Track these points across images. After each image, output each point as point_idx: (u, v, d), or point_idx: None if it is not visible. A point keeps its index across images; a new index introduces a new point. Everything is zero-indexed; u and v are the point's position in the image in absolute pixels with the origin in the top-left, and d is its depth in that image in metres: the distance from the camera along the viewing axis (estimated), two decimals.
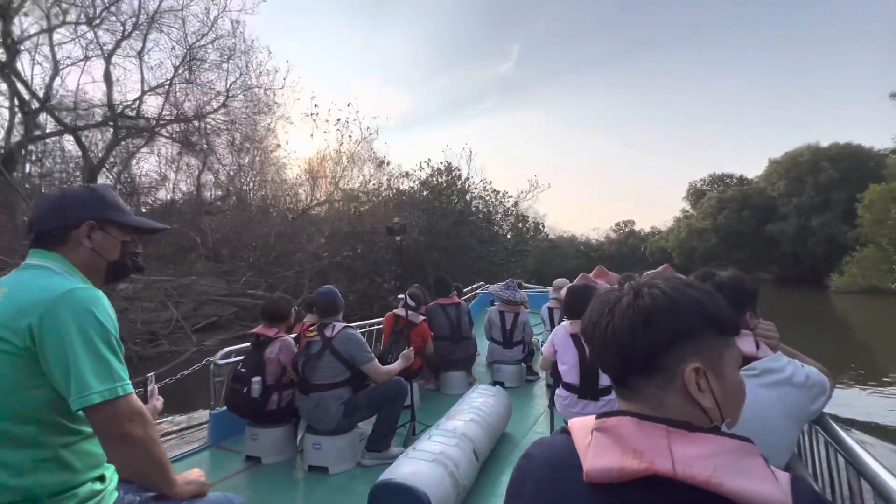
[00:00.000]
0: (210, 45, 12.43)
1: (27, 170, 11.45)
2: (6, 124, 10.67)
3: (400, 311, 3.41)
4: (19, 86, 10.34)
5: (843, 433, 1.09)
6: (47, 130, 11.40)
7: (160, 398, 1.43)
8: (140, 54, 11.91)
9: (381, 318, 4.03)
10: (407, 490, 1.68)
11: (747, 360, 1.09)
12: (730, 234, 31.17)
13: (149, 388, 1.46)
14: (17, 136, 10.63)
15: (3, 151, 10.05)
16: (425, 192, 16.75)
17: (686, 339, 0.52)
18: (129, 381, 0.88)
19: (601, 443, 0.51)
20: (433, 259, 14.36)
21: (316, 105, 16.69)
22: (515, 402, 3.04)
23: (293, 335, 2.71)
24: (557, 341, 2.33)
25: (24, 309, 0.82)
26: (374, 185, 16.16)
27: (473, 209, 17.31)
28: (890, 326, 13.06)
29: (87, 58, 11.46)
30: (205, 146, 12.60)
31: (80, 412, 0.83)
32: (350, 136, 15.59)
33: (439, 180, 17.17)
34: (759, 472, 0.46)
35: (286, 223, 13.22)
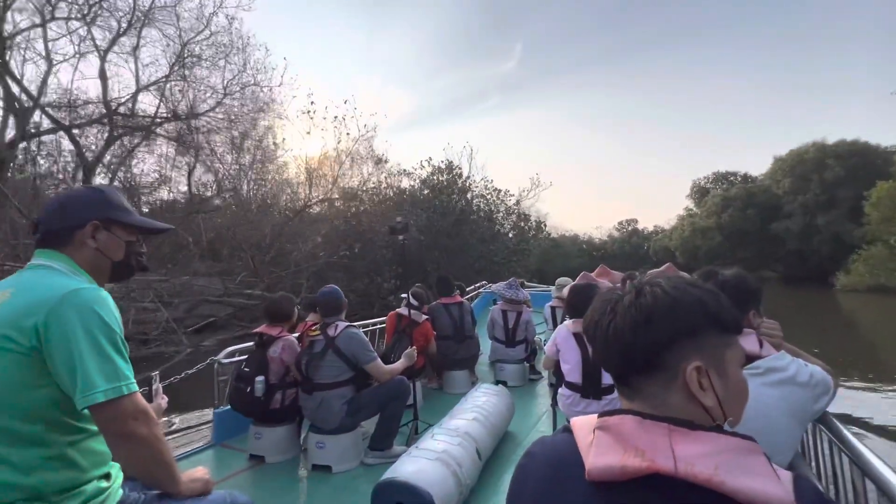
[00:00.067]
0: (205, 42, 12.24)
1: (27, 169, 11.29)
2: None
3: (403, 311, 3.42)
4: (11, 83, 10.13)
5: (846, 432, 1.08)
6: (42, 129, 11.20)
7: (165, 397, 1.44)
8: (135, 51, 11.75)
9: (384, 318, 4.04)
10: (410, 488, 1.69)
11: (751, 358, 1.09)
12: (734, 232, 30.93)
13: (153, 387, 1.47)
14: (10, 135, 10.41)
15: None
16: (426, 191, 16.66)
17: (688, 338, 0.52)
18: (133, 380, 0.89)
19: (603, 441, 0.51)
20: (434, 258, 14.28)
21: (313, 102, 16.40)
22: (518, 401, 3.04)
23: (296, 334, 2.72)
24: (560, 340, 2.33)
25: (30, 308, 0.83)
26: (373, 183, 16.07)
27: (475, 208, 17.20)
28: None
29: (79, 54, 11.24)
30: (197, 144, 12.42)
31: (86, 411, 0.83)
32: (348, 134, 15.42)
33: (440, 179, 17.07)
34: (762, 471, 0.46)
35: (283, 222, 13.09)
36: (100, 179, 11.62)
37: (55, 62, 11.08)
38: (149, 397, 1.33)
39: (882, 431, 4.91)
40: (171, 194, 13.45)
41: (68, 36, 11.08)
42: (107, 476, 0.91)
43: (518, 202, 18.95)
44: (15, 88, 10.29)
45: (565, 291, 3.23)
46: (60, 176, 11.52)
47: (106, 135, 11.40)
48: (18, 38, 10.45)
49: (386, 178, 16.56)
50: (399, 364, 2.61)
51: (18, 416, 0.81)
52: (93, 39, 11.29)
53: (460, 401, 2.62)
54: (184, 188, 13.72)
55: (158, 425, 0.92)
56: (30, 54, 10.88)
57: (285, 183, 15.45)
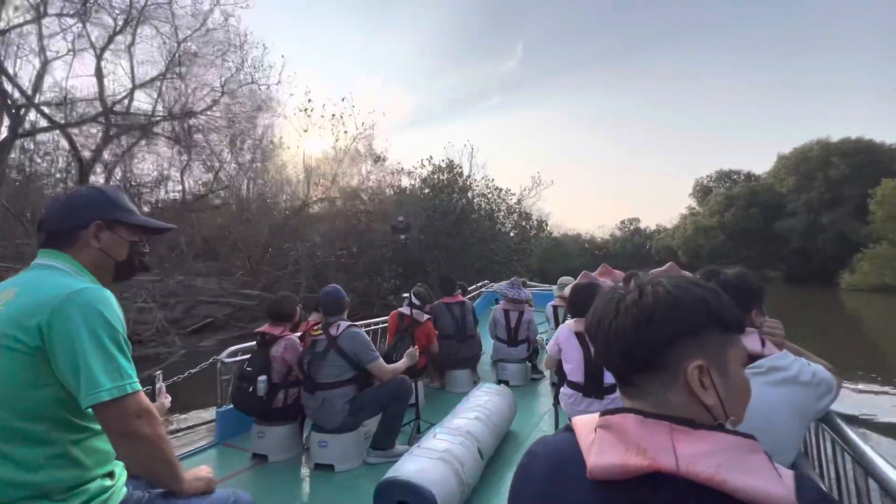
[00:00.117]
0: (202, 40, 11.99)
1: (24, 168, 11.09)
2: None
3: (405, 310, 3.42)
4: (4, 81, 9.83)
5: (849, 431, 1.08)
6: (37, 128, 11.00)
7: (168, 396, 1.45)
8: (129, 49, 11.48)
9: (386, 317, 4.05)
10: (412, 487, 1.69)
11: (753, 357, 1.08)
12: (737, 231, 30.78)
13: (156, 386, 1.49)
14: (3, 134, 10.16)
15: None
16: (426, 190, 16.58)
17: (689, 337, 0.52)
18: (136, 379, 0.89)
19: (604, 440, 0.51)
20: (434, 258, 14.20)
21: (310, 100, 16.14)
22: (520, 400, 3.04)
23: (298, 334, 2.72)
24: (562, 340, 2.33)
25: (34, 308, 0.84)
26: (372, 182, 15.92)
27: (476, 207, 17.11)
28: None
29: (74, 52, 10.91)
30: (189, 142, 12.21)
31: (90, 410, 0.84)
32: (346, 132, 15.18)
33: (441, 178, 16.98)
34: (763, 470, 0.46)
35: (282, 221, 12.98)
36: (96, 179, 11.45)
37: (49, 59, 10.80)
38: (152, 396, 1.34)
39: (887, 431, 4.88)
40: (168, 194, 13.28)
41: (61, 34, 10.77)
42: (111, 474, 0.91)
43: (519, 201, 18.89)
44: (7, 86, 10.05)
45: (567, 291, 3.23)
46: (57, 175, 11.43)
47: (102, 134, 11.25)
48: (12, 35, 10.17)
49: (384, 176, 16.48)
50: (401, 363, 2.61)
51: (23, 415, 0.82)
52: (88, 37, 11.07)
53: (462, 400, 2.62)
54: (180, 188, 13.60)
55: (161, 424, 0.93)
56: (23, 51, 10.45)
57: (284, 182, 15.30)
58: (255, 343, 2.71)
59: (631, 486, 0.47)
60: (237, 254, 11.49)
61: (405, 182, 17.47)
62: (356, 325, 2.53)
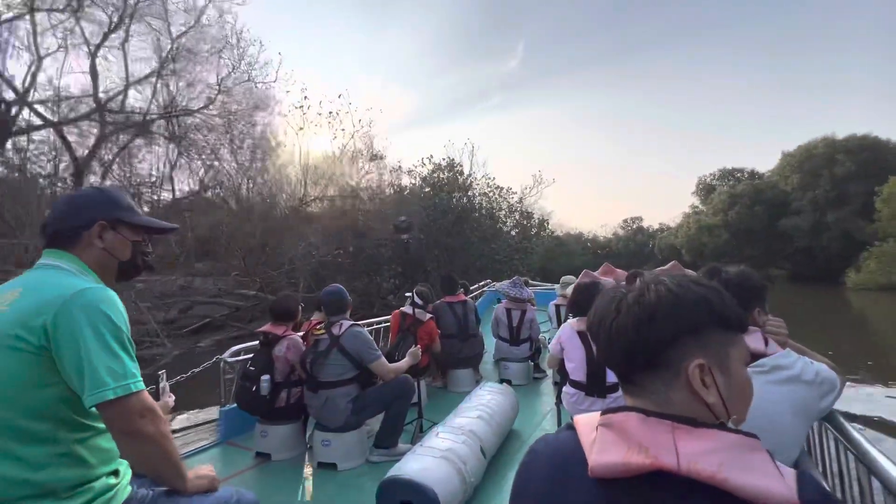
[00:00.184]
0: (197, 36, 11.80)
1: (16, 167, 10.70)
2: None
3: (407, 309, 3.43)
4: None
5: (852, 430, 1.07)
6: (30, 125, 10.56)
7: (172, 395, 1.46)
8: (123, 46, 11.28)
9: (387, 317, 4.05)
10: (415, 486, 1.70)
11: (756, 356, 1.08)
12: (741, 229, 30.56)
13: (160, 386, 1.50)
14: None
15: None
16: (426, 189, 16.48)
17: (690, 336, 0.52)
18: (140, 379, 0.90)
19: (606, 438, 0.51)
20: (434, 257, 14.12)
21: (306, 97, 15.96)
22: (523, 399, 3.04)
23: (301, 333, 2.73)
24: (564, 339, 2.32)
25: (39, 308, 0.84)
26: (370, 180, 15.73)
27: (477, 205, 17.01)
28: None
29: (66, 48, 10.69)
30: (179, 138, 12.01)
31: (94, 409, 0.85)
32: (343, 130, 15.07)
33: (441, 176, 16.89)
34: (765, 468, 0.46)
35: (278, 220, 12.84)
36: (95, 179, 11.30)
37: (42, 55, 10.54)
38: (156, 395, 1.35)
39: (894, 431, 4.84)
40: (157, 193, 12.98)
41: (51, 30, 10.49)
42: (115, 473, 0.92)
43: (521, 200, 18.79)
44: None
45: (570, 290, 3.22)
46: (51, 174, 11.14)
47: (98, 132, 11.08)
48: (2, 29, 9.89)
49: (383, 175, 16.31)
50: (404, 362, 2.62)
51: (28, 414, 0.83)
52: (82, 33, 10.84)
53: (465, 399, 2.62)
54: (185, 187, 13.46)
55: (165, 423, 0.93)
56: (14, 48, 10.08)
57: (283, 181, 15.03)
58: (257, 342, 2.72)
59: (633, 485, 0.48)
60: (233, 253, 11.33)
61: (405, 181, 17.40)
62: (358, 325, 2.53)
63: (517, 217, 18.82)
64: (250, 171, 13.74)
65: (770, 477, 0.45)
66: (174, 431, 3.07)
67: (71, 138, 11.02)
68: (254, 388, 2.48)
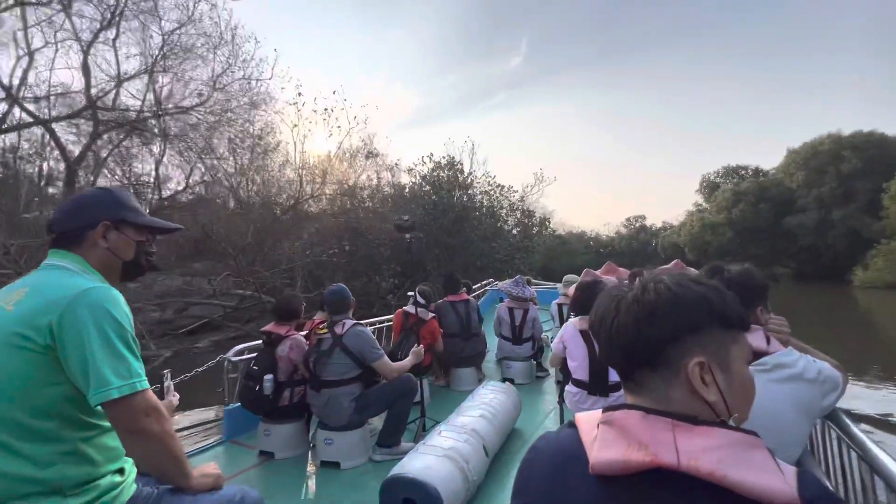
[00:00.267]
0: (189, 32, 11.43)
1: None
2: None
3: (410, 308, 3.43)
4: None
5: (855, 428, 1.07)
6: (21, 123, 10.35)
7: (176, 394, 1.47)
8: (114, 42, 10.99)
9: (389, 316, 4.06)
10: (417, 485, 1.70)
11: (758, 355, 1.07)
12: (745, 227, 30.34)
13: (165, 385, 1.51)
14: None
15: None
16: (426, 187, 16.36)
17: (690, 334, 0.52)
18: (145, 378, 0.91)
19: (607, 436, 0.51)
20: (434, 256, 13.96)
21: (301, 94, 15.76)
22: (525, 398, 3.03)
23: (304, 333, 2.75)
24: (567, 337, 2.32)
25: (45, 308, 0.85)
26: (367, 178, 15.48)
27: (477, 204, 16.86)
28: None
29: (56, 42, 10.36)
30: (165, 134, 11.71)
31: (99, 407, 0.86)
32: (339, 127, 14.71)
33: (441, 175, 16.74)
34: (764, 465, 0.46)
35: (273, 220, 12.56)
36: (85, 176, 11.14)
37: (33, 50, 10.29)
38: (161, 394, 1.36)
39: None
40: (148, 192, 12.77)
41: (38, 25, 10.18)
42: (121, 471, 0.93)
43: (522, 198, 18.60)
44: None
45: (572, 289, 3.21)
46: (44, 173, 11.08)
47: (91, 130, 10.80)
48: None
49: (378, 172, 16.00)
50: (406, 361, 2.63)
51: (34, 413, 0.84)
52: (73, 29, 10.55)
53: (467, 398, 2.63)
54: (178, 187, 13.24)
55: (170, 422, 0.94)
56: (2, 42, 9.92)
57: (278, 179, 14.72)
58: (261, 342, 2.74)
59: (633, 482, 0.48)
60: (227, 253, 11.01)
61: (405, 179, 17.24)
62: (361, 324, 2.54)
63: (518, 215, 18.67)
64: (246, 170, 13.52)
65: (770, 474, 0.45)
66: (178, 430, 3.10)
67: (64, 137, 10.88)
68: (257, 388, 2.49)
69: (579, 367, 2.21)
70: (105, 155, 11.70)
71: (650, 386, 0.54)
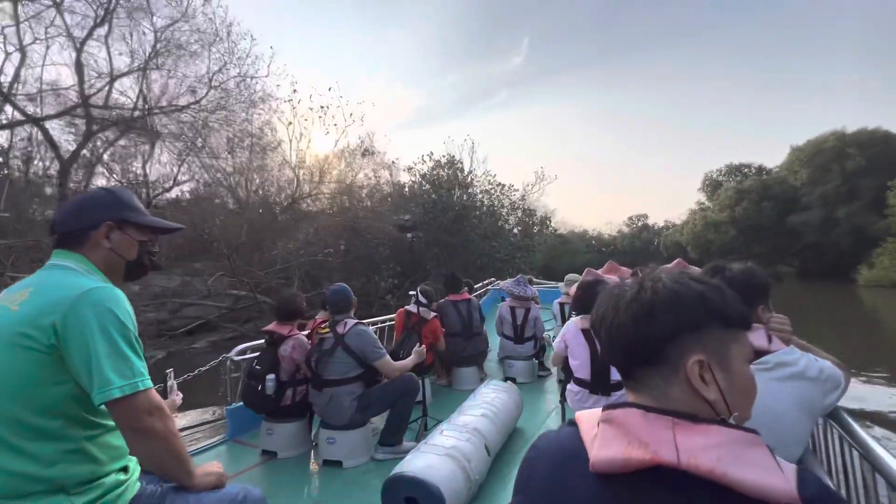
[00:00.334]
0: (183, 29, 11.32)
1: None
2: None
3: (412, 308, 3.44)
4: None
5: (857, 427, 1.06)
6: (13, 121, 10.16)
7: (179, 393, 1.48)
8: (106, 39, 10.85)
9: (389, 316, 4.07)
10: (419, 483, 1.70)
11: (760, 353, 1.07)
12: (749, 226, 30.17)
13: (168, 384, 1.52)
14: None
15: None
16: (426, 186, 16.28)
17: (689, 332, 0.52)
18: (148, 377, 0.91)
19: (607, 434, 0.52)
20: (433, 255, 13.87)
21: (295, 90, 15.51)
22: (527, 397, 3.03)
23: (306, 332, 2.76)
24: (568, 337, 2.32)
25: (48, 307, 0.86)
26: (365, 176, 15.33)
27: (478, 203, 16.76)
28: None
29: (47, 39, 10.19)
30: (155, 132, 11.58)
31: (103, 406, 0.86)
32: (335, 125, 14.97)
33: (441, 174, 16.67)
34: (764, 463, 0.46)
35: (267, 218, 12.51)
36: (74, 174, 10.98)
37: (25, 44, 9.96)
38: (164, 394, 1.37)
39: None
40: (140, 190, 12.43)
41: (27, 21, 10.00)
42: (125, 469, 0.94)
43: (523, 197, 18.47)
44: None
45: (574, 288, 3.21)
46: (36, 169, 10.79)
47: (85, 129, 10.65)
48: None
49: (376, 171, 15.86)
50: (409, 360, 2.63)
51: (39, 412, 0.84)
52: (65, 25, 10.39)
53: (469, 397, 2.63)
54: (170, 185, 13.08)
55: (173, 420, 0.95)
56: None
57: (277, 179, 14.53)
58: (263, 341, 2.75)
59: (633, 480, 0.48)
60: (220, 253, 10.81)
61: (405, 178, 17.14)
62: (363, 323, 2.55)
63: (519, 214, 18.56)
64: (243, 169, 13.35)
65: (769, 471, 0.45)
66: (181, 429, 3.11)
67: (62, 137, 10.73)
68: (259, 387, 2.50)
69: (581, 366, 2.21)
70: (99, 154, 11.53)
71: (650, 384, 0.54)
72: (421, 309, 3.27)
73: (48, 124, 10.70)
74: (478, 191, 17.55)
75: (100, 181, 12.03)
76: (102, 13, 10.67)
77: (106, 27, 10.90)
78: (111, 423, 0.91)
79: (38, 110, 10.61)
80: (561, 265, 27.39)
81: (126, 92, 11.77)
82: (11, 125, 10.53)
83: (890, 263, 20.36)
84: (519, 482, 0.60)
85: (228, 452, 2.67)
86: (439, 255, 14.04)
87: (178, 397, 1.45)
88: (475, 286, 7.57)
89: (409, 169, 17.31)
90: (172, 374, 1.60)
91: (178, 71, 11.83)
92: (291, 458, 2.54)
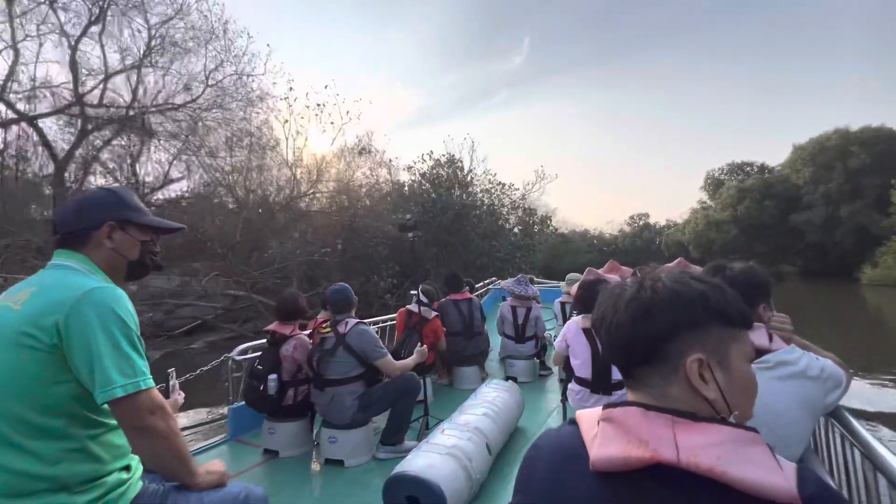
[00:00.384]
0: (178, 26, 11.24)
1: None
2: None
3: (413, 307, 3.44)
4: None
5: (858, 426, 1.06)
6: (5, 119, 10.10)
7: (181, 393, 1.49)
8: (100, 37, 10.72)
9: (390, 315, 4.07)
10: (421, 482, 1.71)
11: (761, 352, 1.07)
12: (751, 225, 30.05)
13: (170, 384, 1.52)
14: None
15: None
16: (425, 185, 16.25)
17: (688, 330, 0.52)
18: (150, 376, 0.92)
19: (607, 432, 0.52)
20: (432, 255, 13.81)
21: (291, 88, 15.25)
22: (528, 396, 3.03)
23: (307, 332, 2.76)
24: (569, 336, 2.32)
25: (51, 307, 0.87)
26: (362, 176, 15.23)
27: (478, 202, 16.69)
28: None
29: (38, 36, 10.03)
30: (146, 129, 11.48)
31: (105, 405, 0.87)
32: (332, 123, 14.50)
33: (440, 173, 16.63)
34: (764, 461, 0.46)
35: (263, 218, 12.37)
36: (69, 173, 10.81)
37: (18, 41, 9.88)
38: (166, 393, 1.38)
39: None
40: (138, 190, 12.25)
41: (19, 18, 9.89)
42: (127, 468, 0.94)
43: (524, 196, 18.35)
44: None
45: (575, 287, 3.20)
46: (30, 170, 10.63)
47: (79, 128, 10.54)
48: None
49: (373, 170, 15.71)
50: (410, 360, 2.63)
51: (42, 411, 0.85)
52: (59, 22, 10.28)
53: (470, 396, 2.63)
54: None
55: (175, 420, 0.95)
56: None
57: (277, 178, 14.32)
58: (264, 341, 2.75)
59: (633, 478, 0.48)
60: (215, 252, 10.71)
61: (404, 177, 17.07)
62: (364, 323, 2.55)
63: (520, 213, 18.47)
64: (241, 168, 13.21)
65: (770, 470, 0.45)
66: (183, 429, 3.12)
67: (60, 137, 10.60)
68: (261, 387, 2.51)
69: (582, 365, 2.21)
70: (94, 153, 11.37)
71: (650, 383, 0.54)
72: (422, 308, 3.27)
73: (43, 123, 10.60)
74: (478, 190, 17.51)
75: (94, 180, 11.89)
76: (97, 11, 10.56)
77: (100, 25, 10.77)
78: (113, 422, 0.92)
79: (32, 108, 10.51)
80: (562, 264, 27.36)
81: (120, 90, 11.69)
82: (4, 124, 10.42)
83: (893, 262, 20.25)
84: (519, 481, 0.60)
85: (230, 452, 2.68)
86: (438, 255, 13.98)
87: (179, 396, 1.46)
88: (476, 286, 7.57)
89: (409, 168, 17.30)
90: (174, 374, 1.61)
91: (173, 69, 11.76)
92: (293, 457, 2.55)
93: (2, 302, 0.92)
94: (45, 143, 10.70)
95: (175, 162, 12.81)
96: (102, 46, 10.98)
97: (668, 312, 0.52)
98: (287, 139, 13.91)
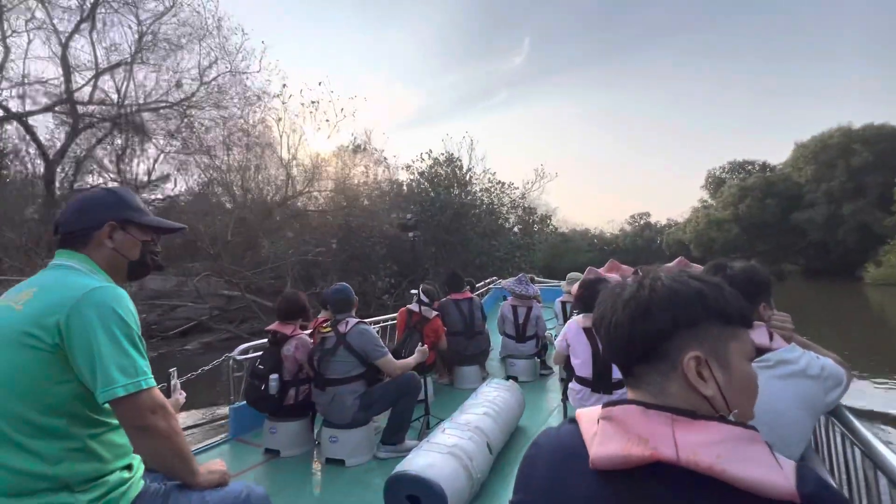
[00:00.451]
0: (171, 22, 11.10)
1: None
2: None
3: (413, 307, 3.44)
4: None
5: (859, 425, 1.06)
6: None
7: (182, 392, 1.49)
8: (91, 34, 10.57)
9: (393, 315, 4.07)
10: (422, 482, 1.71)
11: (761, 351, 1.07)
12: (752, 223, 29.96)
13: (171, 383, 1.53)
14: None
15: None
16: (424, 184, 16.18)
17: (687, 329, 0.52)
18: (151, 376, 0.92)
19: (607, 431, 0.52)
20: (431, 254, 13.74)
21: (285, 85, 14.92)
22: (529, 396, 3.03)
23: (308, 332, 2.76)
24: (570, 335, 2.32)
25: (52, 307, 0.87)
26: (360, 173, 15.14)
27: (477, 202, 16.61)
28: None
29: (27, 32, 9.88)
30: (139, 127, 11.29)
31: (107, 405, 0.87)
32: (327, 121, 14.42)
33: (439, 171, 16.55)
34: (763, 459, 0.46)
35: (265, 216, 12.31)
36: (61, 172, 10.68)
37: (7, 35, 9.76)
38: (167, 393, 1.38)
39: None
40: (135, 189, 12.23)
41: (10, 11, 9.72)
42: (129, 467, 0.95)
43: (523, 195, 18.24)
44: None
45: (575, 287, 3.20)
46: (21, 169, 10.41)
47: (71, 127, 10.37)
48: None
49: (368, 168, 15.60)
50: (411, 359, 2.64)
51: (44, 410, 0.85)
52: (49, 19, 10.12)
53: (471, 396, 2.63)
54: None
55: (176, 419, 0.96)
56: None
57: (275, 178, 14.15)
58: (265, 341, 2.76)
59: (633, 477, 0.48)
60: (207, 252, 10.50)
61: (403, 176, 16.99)
62: (365, 322, 2.55)
63: (520, 213, 18.34)
64: (239, 167, 13.08)
65: (769, 468, 0.45)
66: (184, 428, 3.12)
67: (49, 134, 10.39)
68: (263, 387, 2.51)
69: (583, 364, 2.21)
70: (86, 151, 11.22)
71: (649, 381, 0.54)
72: (423, 308, 3.27)
73: (34, 122, 10.41)
74: (477, 189, 17.44)
75: (89, 179, 11.78)
76: (89, 7, 10.39)
77: (90, 21, 10.58)
78: (115, 421, 0.92)
79: (21, 106, 10.33)
80: (563, 264, 27.33)
81: (112, 88, 11.49)
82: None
83: None
84: (519, 480, 0.60)
85: (231, 451, 2.69)
86: (437, 255, 13.91)
87: (181, 396, 1.46)
88: (478, 285, 7.56)
89: (408, 167, 17.24)
90: (175, 374, 1.61)
91: (166, 66, 11.62)
92: (294, 456, 2.55)
93: (3, 302, 0.92)
94: (36, 142, 10.56)
95: (170, 161, 12.72)
96: (93, 43, 10.84)
97: (666, 311, 0.52)
98: (281, 137, 13.85)
